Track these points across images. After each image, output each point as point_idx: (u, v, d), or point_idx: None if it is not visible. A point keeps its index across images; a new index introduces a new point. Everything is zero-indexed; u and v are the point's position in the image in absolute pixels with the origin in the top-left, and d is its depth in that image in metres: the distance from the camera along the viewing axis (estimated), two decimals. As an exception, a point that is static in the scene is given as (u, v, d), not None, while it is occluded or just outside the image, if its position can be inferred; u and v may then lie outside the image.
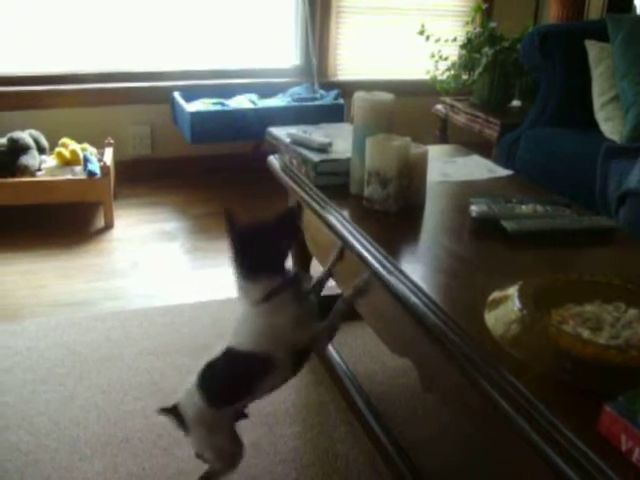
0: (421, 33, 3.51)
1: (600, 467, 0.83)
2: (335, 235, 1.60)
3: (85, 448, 1.70)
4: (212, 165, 3.73)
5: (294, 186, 1.88)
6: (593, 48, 2.79)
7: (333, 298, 1.50)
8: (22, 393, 1.90)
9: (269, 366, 1.37)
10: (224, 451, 1.47)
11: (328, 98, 3.61)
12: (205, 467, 1.49)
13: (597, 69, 2.76)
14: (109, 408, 1.85)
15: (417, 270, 1.35)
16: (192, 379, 1.43)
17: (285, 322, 1.37)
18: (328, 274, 1.59)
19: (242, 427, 1.75)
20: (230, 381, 1.41)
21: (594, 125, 2.73)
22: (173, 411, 1.44)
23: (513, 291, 1.15)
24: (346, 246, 1.54)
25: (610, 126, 2.66)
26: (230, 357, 1.39)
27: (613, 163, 2.35)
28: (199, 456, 1.48)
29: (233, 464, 1.48)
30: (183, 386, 1.46)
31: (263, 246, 1.37)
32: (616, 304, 1.13)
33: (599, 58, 2.76)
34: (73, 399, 1.89)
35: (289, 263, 1.44)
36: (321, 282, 1.57)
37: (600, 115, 2.72)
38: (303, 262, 2.13)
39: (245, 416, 1.54)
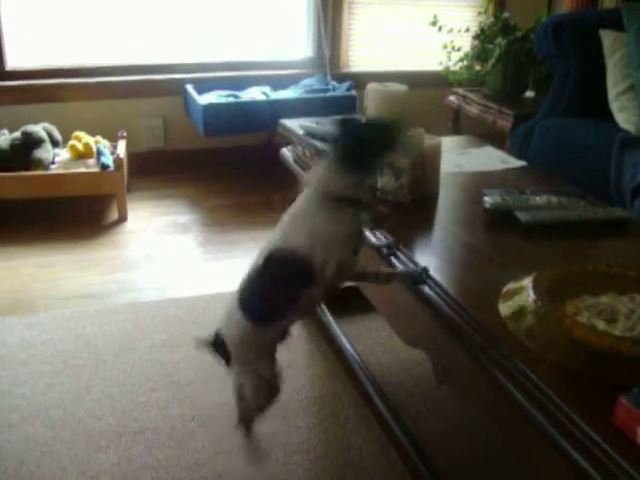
0: (433, 24, 3.50)
1: (615, 458, 0.83)
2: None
3: (100, 439, 1.71)
4: (225, 157, 3.73)
5: (307, 178, 1.88)
6: (608, 38, 2.77)
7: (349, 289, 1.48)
8: (38, 385, 1.91)
9: (310, 274, 1.26)
10: (264, 382, 1.38)
11: (340, 90, 3.60)
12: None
13: (612, 59, 2.73)
14: (124, 400, 1.86)
15: (431, 261, 1.34)
16: (230, 298, 1.36)
17: (343, 234, 1.27)
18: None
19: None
20: (273, 286, 1.32)
21: (608, 115, 2.71)
22: (215, 339, 1.37)
23: (527, 282, 1.15)
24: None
25: (625, 116, 2.64)
26: (274, 261, 1.29)
27: (628, 154, 2.33)
28: (238, 391, 1.40)
29: (270, 400, 1.40)
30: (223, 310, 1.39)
31: (375, 150, 1.29)
32: (631, 295, 1.12)
33: (614, 48, 2.73)
34: (88, 391, 1.90)
35: None
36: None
37: (615, 105, 2.70)
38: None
39: (288, 335, 1.42)
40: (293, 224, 1.30)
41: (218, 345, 1.36)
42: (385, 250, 1.45)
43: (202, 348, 1.39)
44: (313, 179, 1.30)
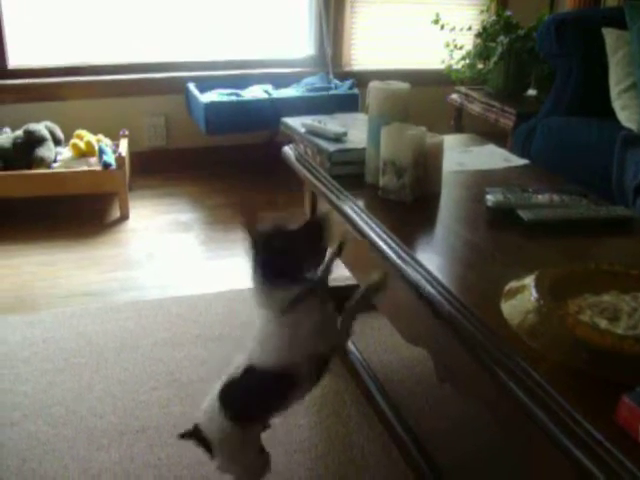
0: (436, 22, 3.50)
1: (617, 457, 0.82)
2: (350, 225, 1.60)
3: (102, 438, 1.71)
4: (227, 156, 3.74)
5: (309, 176, 1.88)
6: (610, 36, 2.76)
7: (345, 289, 1.48)
8: (40, 383, 1.92)
9: (294, 380, 1.32)
10: (252, 466, 1.42)
11: (342, 88, 3.60)
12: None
13: (614, 57, 2.73)
14: (125, 398, 1.86)
15: (433, 260, 1.34)
16: (210, 398, 1.38)
17: (310, 332, 1.30)
18: (328, 269, 1.45)
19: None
20: (257, 399, 1.35)
21: (611, 114, 2.70)
22: (195, 434, 1.39)
23: (530, 281, 1.14)
24: (362, 236, 1.53)
25: (627, 115, 2.64)
26: (253, 375, 1.32)
27: (630, 152, 2.33)
28: (222, 471, 1.43)
29: (261, 476, 1.44)
30: (201, 406, 1.41)
31: (285, 256, 1.28)
32: (634, 294, 1.12)
33: (616, 46, 2.73)
34: (90, 389, 1.90)
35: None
36: (323, 278, 1.43)
37: (617, 103, 2.70)
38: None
39: (269, 427, 1.49)
40: (266, 340, 1.33)
41: (200, 439, 1.39)
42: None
43: (185, 440, 1.41)
44: (257, 301, 1.32)
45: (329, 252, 1.43)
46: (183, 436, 1.41)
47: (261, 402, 1.35)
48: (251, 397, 1.35)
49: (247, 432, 1.38)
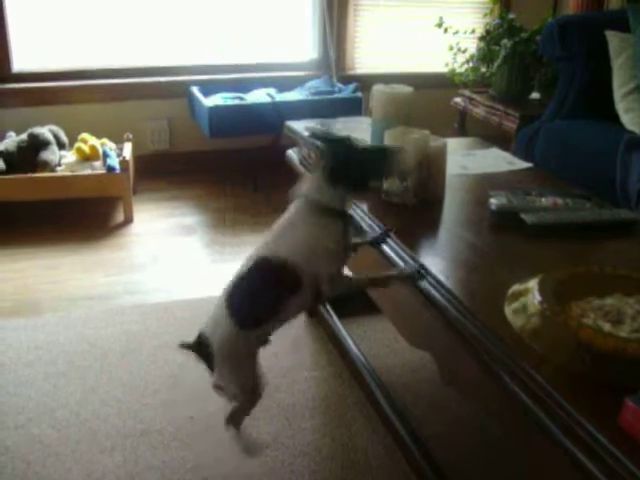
0: (439, 26, 3.50)
1: (621, 460, 0.82)
2: (354, 228, 1.60)
3: (105, 441, 1.71)
4: (230, 159, 3.74)
5: (312, 180, 1.88)
6: (613, 39, 2.76)
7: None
8: (44, 386, 1.92)
9: (297, 282, 1.32)
10: (247, 384, 1.43)
11: (346, 91, 3.60)
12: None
13: (617, 60, 2.73)
14: (129, 401, 1.86)
15: (436, 263, 1.34)
16: (217, 305, 1.40)
17: (328, 243, 1.32)
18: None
19: (261, 419, 1.76)
20: (260, 293, 1.36)
21: (614, 117, 2.70)
22: (198, 340, 1.41)
23: (533, 284, 1.14)
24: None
25: (631, 117, 2.63)
26: (262, 270, 1.34)
27: (634, 155, 2.33)
28: (218, 388, 1.43)
29: (255, 399, 1.45)
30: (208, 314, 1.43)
31: (359, 170, 1.34)
32: (637, 297, 1.12)
33: (620, 49, 2.73)
34: (94, 392, 1.90)
35: None
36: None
37: (620, 106, 2.70)
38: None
39: (268, 342, 1.46)
40: (283, 233, 1.35)
41: (202, 348, 1.40)
42: (380, 239, 1.50)
43: (185, 350, 1.42)
44: (303, 190, 1.35)
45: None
46: (186, 346, 1.43)
47: (264, 297, 1.36)
48: (255, 292, 1.36)
49: (247, 339, 1.38)
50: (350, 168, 1.33)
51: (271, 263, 1.33)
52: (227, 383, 1.42)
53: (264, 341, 1.44)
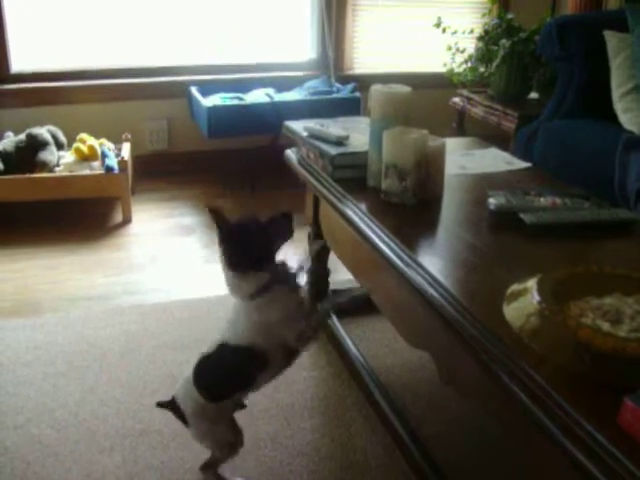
0: (437, 25, 3.50)
1: (621, 460, 0.82)
2: (353, 228, 1.60)
3: (105, 441, 1.71)
4: (229, 159, 3.74)
5: (311, 179, 1.88)
6: (612, 38, 2.76)
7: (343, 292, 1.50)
8: (43, 386, 1.92)
9: (263, 360, 1.40)
10: (224, 441, 1.51)
11: (344, 91, 3.60)
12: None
13: (616, 60, 2.73)
14: (128, 401, 1.86)
15: (435, 263, 1.34)
16: (187, 372, 1.47)
17: (276, 318, 1.38)
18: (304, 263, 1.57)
19: (260, 419, 1.77)
20: (227, 375, 1.44)
21: (613, 116, 2.70)
22: (171, 405, 1.49)
23: (532, 284, 1.14)
24: (364, 239, 1.54)
25: (629, 117, 2.64)
26: (224, 352, 1.41)
27: (632, 155, 2.33)
28: (196, 441, 1.53)
29: (233, 452, 1.52)
30: (179, 379, 1.50)
31: (254, 243, 1.37)
32: (636, 297, 1.12)
33: (618, 49, 2.73)
34: (93, 392, 1.90)
35: (286, 256, 1.45)
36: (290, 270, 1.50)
37: (619, 106, 2.70)
38: (321, 256, 2.13)
39: (244, 406, 1.58)
40: (238, 321, 1.42)
41: (176, 410, 1.49)
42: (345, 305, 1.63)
43: (161, 408, 1.52)
44: (229, 290, 1.41)
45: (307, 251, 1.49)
46: (161, 405, 1.52)
47: (231, 378, 1.44)
48: (222, 373, 1.44)
49: (219, 407, 1.46)
50: (248, 250, 1.37)
51: (233, 349, 1.40)
52: (202, 441, 1.53)
53: (238, 405, 1.54)
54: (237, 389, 1.47)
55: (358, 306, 1.51)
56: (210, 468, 1.57)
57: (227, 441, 1.51)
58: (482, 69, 3.46)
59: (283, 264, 1.43)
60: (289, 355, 1.44)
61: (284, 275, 1.41)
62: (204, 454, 1.62)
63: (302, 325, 1.41)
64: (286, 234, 1.42)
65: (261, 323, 1.38)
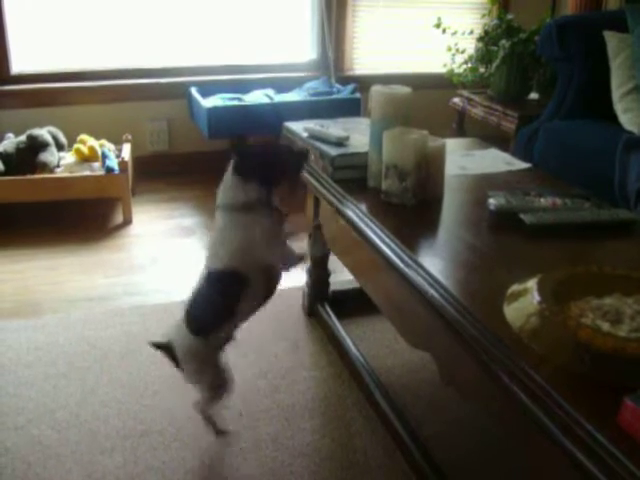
0: (437, 26, 3.50)
1: (620, 460, 0.82)
2: (353, 229, 1.60)
3: (105, 442, 1.72)
4: (229, 160, 3.73)
5: (312, 180, 1.88)
6: (612, 39, 2.76)
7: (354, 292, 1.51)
8: (44, 387, 1.92)
9: (244, 282, 1.46)
10: (213, 382, 1.58)
11: (344, 92, 3.60)
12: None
13: (616, 60, 2.73)
14: (129, 402, 1.87)
15: (435, 263, 1.34)
16: (180, 315, 1.54)
17: (259, 235, 1.45)
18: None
19: (260, 420, 1.77)
20: (212, 306, 1.51)
21: (613, 117, 2.71)
22: (165, 346, 1.57)
23: (532, 284, 1.15)
24: (364, 240, 1.54)
25: (629, 117, 2.64)
26: (210, 281, 1.49)
27: (632, 155, 2.33)
28: (188, 382, 1.62)
29: (221, 394, 1.60)
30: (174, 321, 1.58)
31: (267, 160, 1.47)
32: (636, 297, 1.12)
33: (618, 49, 2.73)
34: (94, 393, 1.90)
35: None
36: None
37: (619, 106, 2.70)
38: (321, 258, 2.13)
39: (232, 338, 1.62)
40: (218, 243, 1.50)
41: (169, 351, 1.57)
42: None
43: (156, 349, 1.60)
44: (220, 199, 1.49)
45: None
46: (156, 345, 1.59)
47: (216, 307, 1.51)
48: (207, 303, 1.51)
49: (208, 345, 1.54)
50: (256, 162, 1.47)
51: (214, 274, 1.48)
52: (194, 382, 1.60)
53: (225, 341, 1.59)
54: (223, 320, 1.53)
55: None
56: (202, 407, 1.65)
57: (217, 382, 1.58)
58: (482, 70, 3.47)
59: (278, 207, 1.51)
60: (269, 280, 1.51)
61: (273, 205, 1.49)
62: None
63: (281, 250, 1.50)
64: (298, 168, 1.53)
65: (241, 242, 1.45)
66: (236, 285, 1.47)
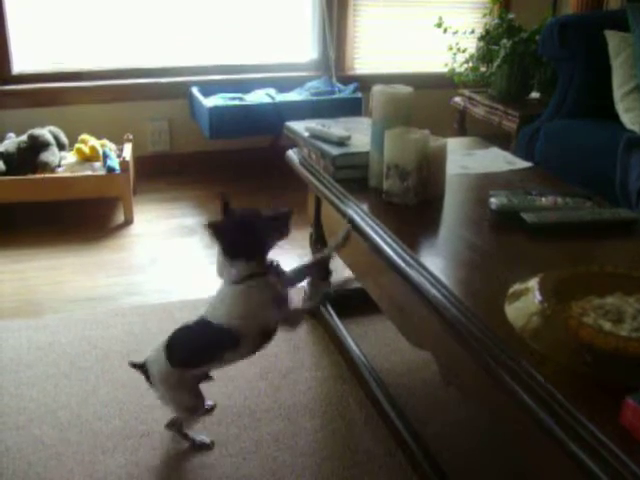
0: (439, 25, 3.50)
1: (622, 459, 0.82)
2: (354, 229, 1.60)
3: (107, 442, 1.72)
4: (230, 160, 3.74)
5: (313, 180, 1.88)
6: (613, 38, 2.76)
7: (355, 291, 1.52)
8: (45, 387, 1.92)
9: (236, 342, 1.49)
10: (184, 406, 1.61)
11: (346, 92, 3.60)
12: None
13: (617, 59, 2.73)
14: (130, 402, 1.86)
15: (437, 263, 1.34)
16: (163, 340, 1.57)
17: (256, 305, 1.49)
18: (328, 255, 1.75)
19: (262, 420, 1.77)
20: (196, 347, 1.55)
21: (614, 116, 2.70)
22: (141, 366, 1.60)
23: (533, 283, 1.14)
24: (365, 239, 1.54)
25: (630, 117, 2.64)
26: (202, 326, 1.51)
27: (634, 154, 2.33)
28: (162, 403, 1.64)
29: (193, 416, 1.65)
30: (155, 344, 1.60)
31: (249, 235, 1.48)
32: (638, 296, 1.12)
33: (619, 48, 2.73)
34: (95, 393, 1.90)
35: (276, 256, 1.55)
36: (321, 261, 1.78)
37: (620, 106, 2.70)
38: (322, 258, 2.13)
39: (210, 378, 1.70)
40: (220, 301, 1.52)
41: (144, 371, 1.60)
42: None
43: (132, 368, 1.64)
44: (217, 269, 1.53)
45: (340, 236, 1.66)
46: (133, 365, 1.63)
47: (199, 351, 1.55)
48: (192, 344, 1.55)
49: (181, 375, 1.56)
50: (239, 241, 1.48)
51: (210, 325, 1.50)
52: (166, 404, 1.63)
53: (204, 378, 1.66)
54: (203, 362, 1.57)
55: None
56: (174, 426, 1.68)
57: (187, 405, 1.61)
58: (483, 69, 3.46)
59: (274, 262, 1.53)
60: (263, 339, 1.53)
61: (271, 269, 1.52)
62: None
63: (280, 313, 1.52)
64: (283, 232, 1.52)
65: (239, 308, 1.48)
66: (227, 342, 1.50)
